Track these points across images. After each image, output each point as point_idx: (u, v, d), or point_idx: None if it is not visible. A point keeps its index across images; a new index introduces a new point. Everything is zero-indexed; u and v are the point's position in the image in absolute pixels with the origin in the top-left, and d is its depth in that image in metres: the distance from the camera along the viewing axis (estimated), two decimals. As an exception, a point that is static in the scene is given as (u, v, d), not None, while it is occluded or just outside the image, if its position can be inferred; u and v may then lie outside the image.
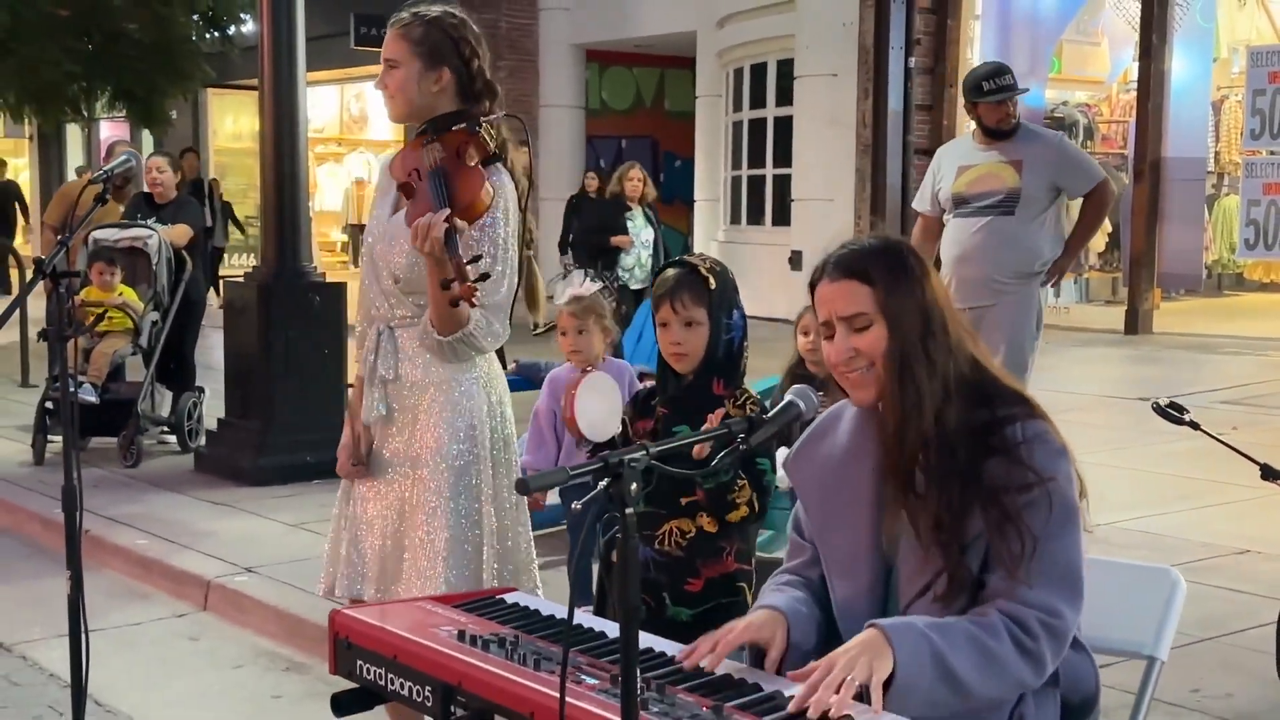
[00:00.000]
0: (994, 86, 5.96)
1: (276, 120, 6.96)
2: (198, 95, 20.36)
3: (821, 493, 2.35)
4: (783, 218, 14.95)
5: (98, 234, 7.69)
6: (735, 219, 16.24)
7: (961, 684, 2.03)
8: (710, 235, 16.62)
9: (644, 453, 1.87)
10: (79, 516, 3.17)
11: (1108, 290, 15.01)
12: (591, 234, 11.61)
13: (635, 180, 11.31)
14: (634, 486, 1.85)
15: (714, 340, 2.90)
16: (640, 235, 11.38)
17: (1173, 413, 3.66)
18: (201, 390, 7.95)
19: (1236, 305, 14.76)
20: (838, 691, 1.94)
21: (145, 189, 8.26)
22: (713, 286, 2.91)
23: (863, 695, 1.97)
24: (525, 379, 5.89)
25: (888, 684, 1.99)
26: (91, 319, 7.46)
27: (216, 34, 16.92)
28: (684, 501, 2.91)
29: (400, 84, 3.03)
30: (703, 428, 2.73)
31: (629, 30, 17.69)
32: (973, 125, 6.11)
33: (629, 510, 1.84)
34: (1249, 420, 7.80)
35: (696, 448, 2.60)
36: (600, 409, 2.46)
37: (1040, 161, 5.84)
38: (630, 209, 11.33)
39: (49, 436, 7.51)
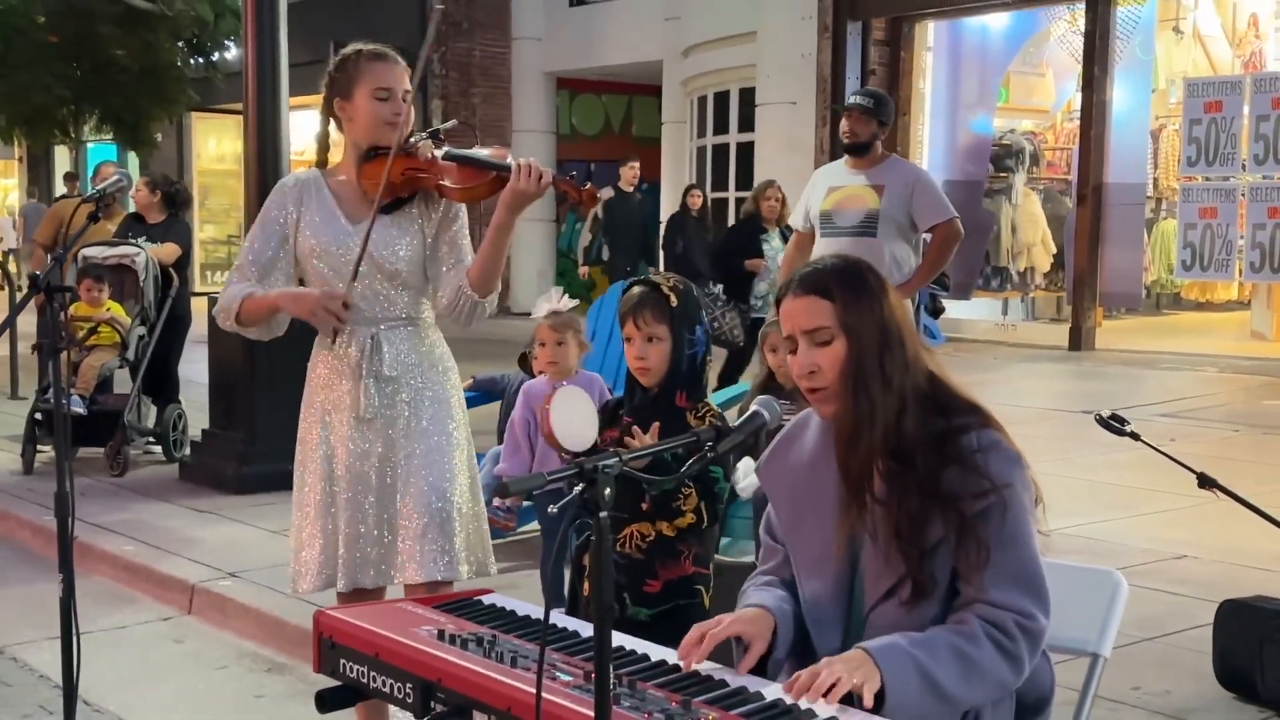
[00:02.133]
0: (846, 103, 6.17)
1: (260, 143, 6.95)
2: (182, 119, 20.29)
3: (790, 495, 2.37)
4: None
5: (86, 251, 7.65)
6: (699, 240, 16.27)
7: (947, 695, 2.06)
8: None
9: (617, 459, 1.89)
10: (71, 522, 3.15)
11: (1052, 309, 15.14)
12: (722, 257, 9.96)
13: (773, 200, 9.67)
14: (607, 491, 1.87)
15: (676, 355, 2.94)
16: (777, 259, 9.20)
17: (1114, 424, 3.71)
18: (179, 402, 7.92)
19: (1175, 323, 14.91)
20: (826, 695, 1.97)
21: (135, 209, 8.24)
22: (674, 304, 2.94)
23: (852, 702, 1.99)
24: (484, 393, 5.91)
25: (879, 703, 2.01)
26: (83, 333, 7.42)
27: (201, 60, 16.88)
28: (644, 507, 2.93)
29: (409, 114, 3.19)
30: (644, 439, 2.77)
31: (598, 59, 17.76)
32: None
33: (603, 514, 1.86)
34: (1186, 432, 7.88)
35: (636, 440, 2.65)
36: (577, 420, 2.48)
37: (899, 187, 5.92)
38: (766, 230, 9.68)
39: (38, 447, 7.46)
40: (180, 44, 16.67)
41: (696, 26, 15.60)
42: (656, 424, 2.88)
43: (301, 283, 3.29)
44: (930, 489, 2.15)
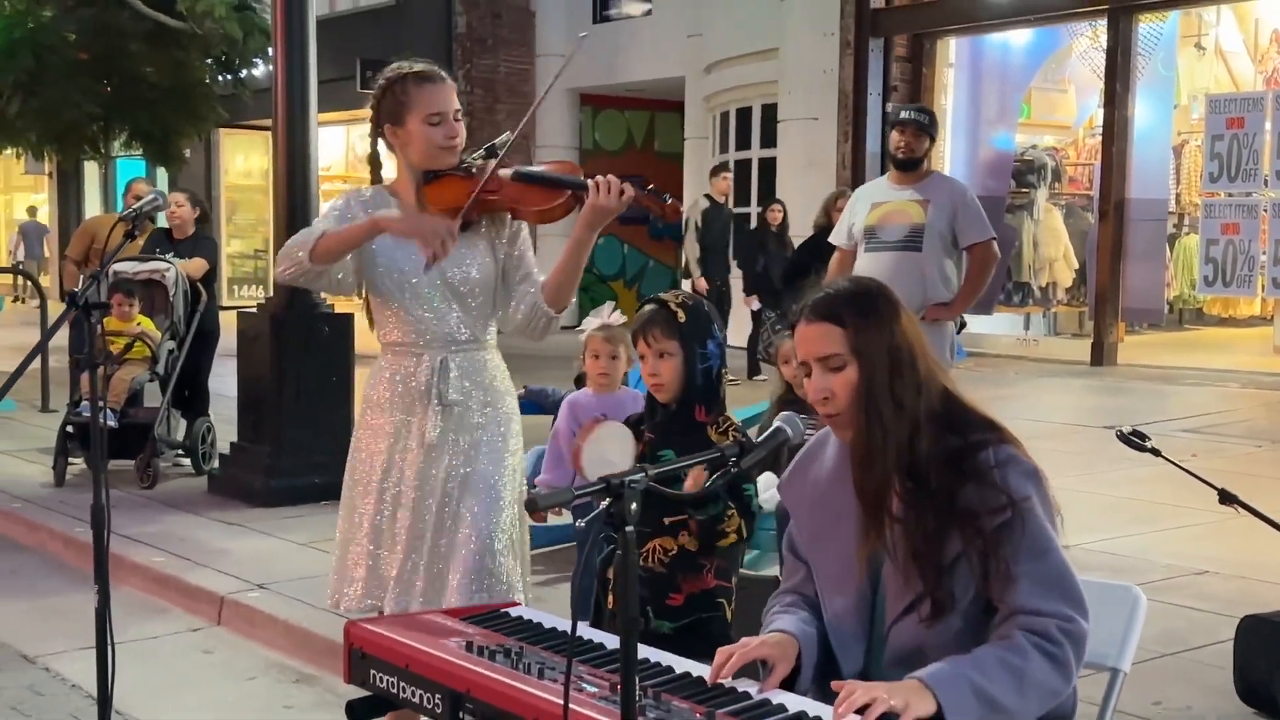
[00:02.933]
0: (898, 117, 6.12)
1: (290, 159, 7.02)
2: (211, 135, 20.45)
3: (811, 512, 2.40)
4: (768, 254, 14.99)
5: (117, 266, 7.73)
6: (721, 255, 16.31)
7: (1005, 709, 2.07)
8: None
9: (643, 475, 1.92)
10: (106, 535, 3.20)
11: (1075, 324, 15.10)
12: (796, 273, 9.38)
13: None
14: (633, 506, 1.90)
15: (689, 369, 2.97)
16: None
17: (1135, 440, 3.72)
18: (208, 415, 7.99)
19: (1197, 339, 14.85)
20: (861, 713, 1.99)
21: (164, 224, 8.32)
22: (682, 320, 2.98)
23: None
24: (534, 404, 5.94)
25: None
26: (120, 348, 7.52)
27: (229, 77, 17.01)
28: (667, 521, 2.96)
29: (462, 133, 3.18)
30: (685, 486, 2.78)
31: (621, 76, 17.84)
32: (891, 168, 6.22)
33: (629, 528, 1.89)
34: (1208, 448, 7.86)
35: (692, 476, 2.65)
36: (614, 458, 2.48)
37: (945, 202, 5.88)
38: None
39: (69, 459, 7.54)
40: (209, 61, 16.80)
41: (719, 43, 15.66)
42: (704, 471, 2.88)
43: (368, 305, 3.26)
44: (947, 507, 2.17)
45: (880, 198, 6.06)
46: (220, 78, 17.26)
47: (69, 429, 7.46)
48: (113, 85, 15.94)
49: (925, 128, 5.92)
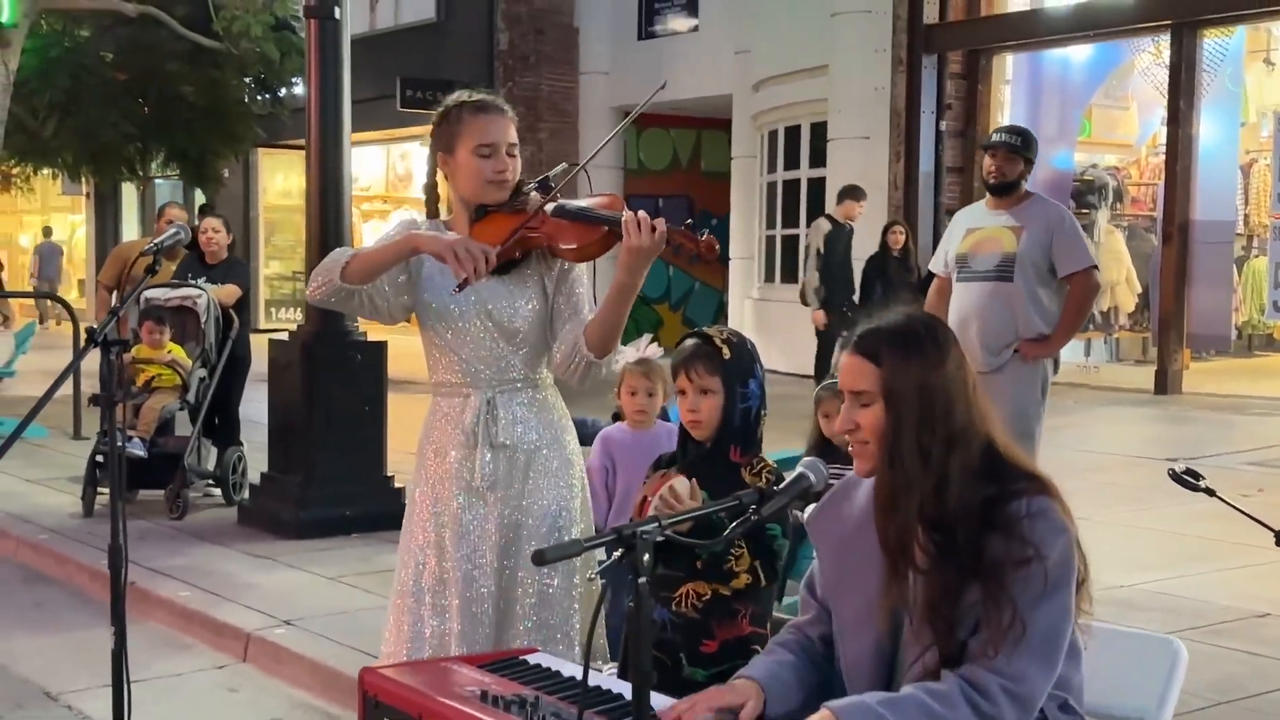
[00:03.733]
0: (990, 140, 6.03)
1: (322, 180, 7.10)
2: (249, 155, 20.72)
3: (837, 554, 2.41)
4: (817, 277, 14.97)
5: (149, 293, 7.84)
6: (769, 277, 16.33)
7: None
8: (745, 293, 16.72)
9: (656, 525, 1.93)
10: (124, 574, 3.24)
11: (1138, 350, 14.97)
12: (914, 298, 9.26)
13: None
14: (646, 557, 1.91)
15: (729, 408, 2.97)
16: None
17: (1188, 479, 3.67)
18: (241, 444, 8.07)
19: (1267, 366, 14.67)
20: None
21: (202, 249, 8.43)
22: (727, 356, 2.98)
23: None
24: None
25: None
26: (142, 382, 7.62)
27: (267, 96, 17.24)
28: (700, 565, 2.96)
29: (516, 169, 3.15)
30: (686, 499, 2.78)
31: (666, 93, 17.82)
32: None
33: (641, 580, 1.90)
34: (1275, 482, 7.75)
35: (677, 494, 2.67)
36: None
37: (1040, 229, 5.74)
38: None
39: (98, 489, 7.63)
40: (248, 80, 17.03)
41: (767, 60, 15.70)
42: (694, 480, 2.90)
43: (428, 339, 3.21)
44: (972, 560, 2.17)
45: (975, 223, 5.95)
46: (258, 97, 17.50)
47: (98, 459, 7.56)
48: (150, 105, 16.19)
49: (1017, 150, 5.78)
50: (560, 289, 3.15)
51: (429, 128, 3.23)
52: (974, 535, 2.18)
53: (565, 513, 3.13)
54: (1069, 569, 2.20)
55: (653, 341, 4.86)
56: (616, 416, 5.49)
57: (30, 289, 23.90)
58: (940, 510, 2.21)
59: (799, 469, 2.31)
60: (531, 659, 2.68)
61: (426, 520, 3.17)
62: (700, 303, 19.18)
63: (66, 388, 10.16)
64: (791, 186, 15.81)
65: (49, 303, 23.78)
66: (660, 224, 2.90)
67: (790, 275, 15.86)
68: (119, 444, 3.28)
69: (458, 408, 3.14)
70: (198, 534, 7.11)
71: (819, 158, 14.98)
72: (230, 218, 9.91)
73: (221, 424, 8.19)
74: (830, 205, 14.31)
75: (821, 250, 11.48)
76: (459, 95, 3.18)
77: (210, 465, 8.01)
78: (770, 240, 16.29)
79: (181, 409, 7.85)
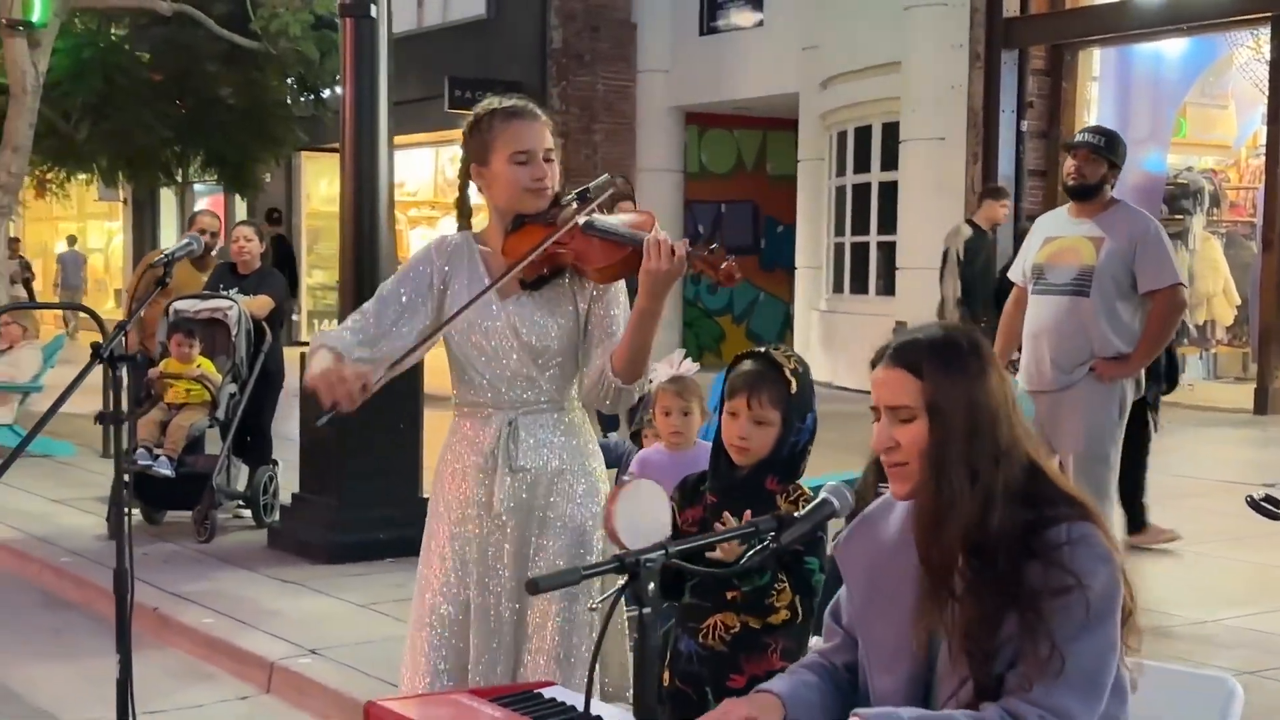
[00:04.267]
0: (1072, 140, 5.96)
1: (357, 184, 7.16)
2: (291, 158, 20.97)
3: (867, 581, 2.41)
4: (887, 287, 14.96)
5: (178, 305, 7.96)
6: (838, 287, 16.28)
7: None
8: (812, 304, 16.68)
9: (661, 552, 1.94)
10: (130, 598, 3.31)
11: (1236, 366, 14.75)
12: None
13: None
14: (651, 586, 1.93)
15: (781, 442, 2.98)
16: None
17: (1268, 507, 3.63)
18: (275, 463, 8.15)
19: (1378, 383, 14.39)
20: None
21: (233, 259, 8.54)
22: (793, 390, 2.99)
23: None
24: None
25: None
26: (170, 397, 7.73)
27: (310, 97, 17.43)
28: (729, 595, 2.97)
29: (554, 175, 3.18)
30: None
31: (729, 92, 17.93)
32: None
33: (646, 610, 1.92)
34: (1380, 510, 7.60)
35: (723, 547, 2.66)
36: (644, 523, 2.51)
37: (1122, 240, 5.65)
38: None
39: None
40: (290, 81, 17.24)
41: (836, 56, 15.67)
42: (748, 512, 2.90)
43: (453, 356, 3.27)
44: (1011, 589, 2.17)
45: (1055, 231, 5.89)
46: (300, 98, 17.71)
47: (125, 478, 7.66)
48: (187, 107, 16.44)
49: (1100, 151, 5.71)
50: (594, 309, 3.17)
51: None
52: (1014, 562, 2.17)
53: (586, 540, 3.15)
54: (1113, 600, 2.18)
55: (686, 357, 4.86)
56: (634, 436, 5.49)
57: (55, 299, 24.30)
58: (983, 533, 2.21)
59: (822, 494, 2.31)
60: (547, 693, 2.70)
61: (444, 546, 3.21)
62: (765, 315, 19.16)
63: (96, 402, 10.33)
64: (861, 191, 15.76)
65: (75, 314, 24.25)
66: (680, 248, 2.91)
67: (860, 285, 15.82)
68: (132, 462, 3.33)
69: (478, 429, 3.17)
70: (225, 558, 7.20)
71: (891, 160, 14.93)
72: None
73: (253, 442, 8.28)
74: (903, 209, 14.28)
75: (961, 257, 11.14)
76: (489, 102, 3.21)
77: (240, 485, 8.11)
78: (839, 248, 16.24)
79: (211, 426, 7.96)
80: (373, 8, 7.08)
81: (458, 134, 3.27)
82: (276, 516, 7.79)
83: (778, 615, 2.93)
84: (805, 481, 3.07)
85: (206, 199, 24.77)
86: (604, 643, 3.15)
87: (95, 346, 3.21)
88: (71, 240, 29.13)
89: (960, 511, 2.20)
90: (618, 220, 3.14)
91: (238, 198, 21.02)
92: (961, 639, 2.19)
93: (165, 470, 7.55)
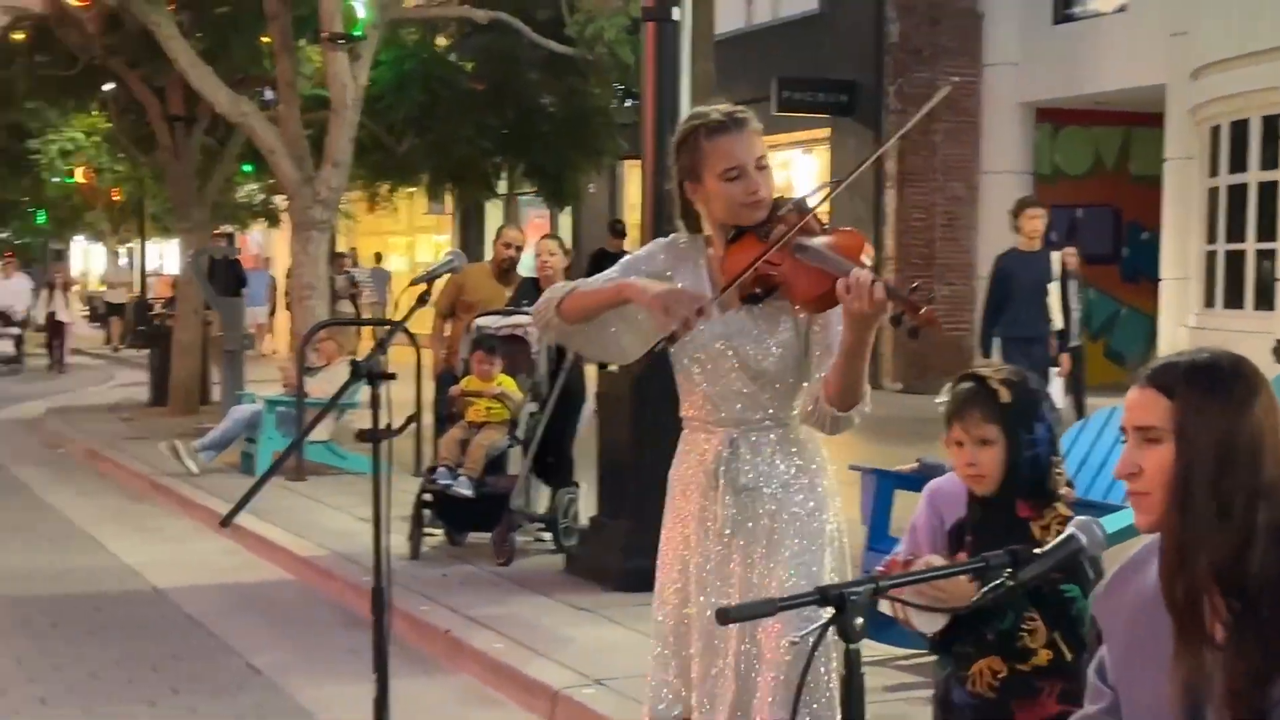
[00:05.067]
0: None
1: (657, 195, 7.35)
2: (614, 167, 21.58)
3: (1128, 636, 2.37)
4: (1265, 301, 14.25)
5: (480, 321, 8.36)
6: (1210, 301, 15.59)
7: None
8: (1179, 319, 16.03)
9: (871, 585, 1.98)
10: (385, 620, 3.53)
11: None
12: None
13: None
14: (858, 621, 1.96)
15: (1012, 458, 2.96)
16: None
17: None
18: (576, 485, 8.43)
19: None
20: None
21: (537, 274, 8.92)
22: (1005, 400, 2.97)
23: None
24: (926, 479, 5.93)
25: None
26: (470, 415, 8.11)
27: (630, 103, 17.91)
28: (990, 637, 2.95)
29: (769, 184, 3.29)
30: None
31: (1087, 85, 17.46)
32: None
33: (852, 646, 1.96)
34: None
35: (955, 586, 2.65)
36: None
37: None
38: None
39: (426, 529, 8.18)
40: (618, 86, 17.74)
41: (1210, 42, 15.04)
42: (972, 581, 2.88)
43: (676, 371, 3.42)
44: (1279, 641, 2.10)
45: None
46: (624, 104, 18.20)
47: (425, 497, 8.11)
48: (509, 117, 17.14)
49: None
50: (814, 326, 3.25)
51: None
52: None
53: (811, 563, 3.21)
54: None
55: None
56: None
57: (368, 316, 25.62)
58: (1240, 574, 2.15)
59: (1069, 528, 2.29)
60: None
61: (673, 563, 3.36)
62: (1127, 331, 18.54)
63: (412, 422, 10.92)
64: (1237, 192, 15.06)
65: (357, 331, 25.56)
66: (878, 288, 2.91)
67: (1235, 299, 15.11)
68: (432, 481, 3.56)
69: (701, 444, 3.32)
70: (521, 581, 7.52)
71: (1271, 158, 14.23)
72: (593, 236, 10.38)
73: (554, 463, 8.58)
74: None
75: None
76: (694, 117, 3.34)
77: (541, 507, 8.42)
78: (1211, 257, 15.56)
79: (511, 445, 8.30)
80: (675, 10, 7.29)
81: (786, 138, 3.42)
82: (574, 540, 8.06)
83: (1038, 656, 2.90)
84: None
85: (529, 210, 25.73)
86: (833, 673, 3.20)
87: (355, 365, 3.45)
88: (378, 257, 30.74)
89: (1206, 547, 2.15)
90: (825, 243, 3.16)
91: (559, 208, 21.73)
92: (1225, 698, 2.13)
93: (465, 490, 7.93)
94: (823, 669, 3.22)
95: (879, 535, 5.91)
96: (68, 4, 14.74)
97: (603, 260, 20.62)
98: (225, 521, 4.15)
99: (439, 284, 10.27)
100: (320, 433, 11.11)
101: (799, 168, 20.85)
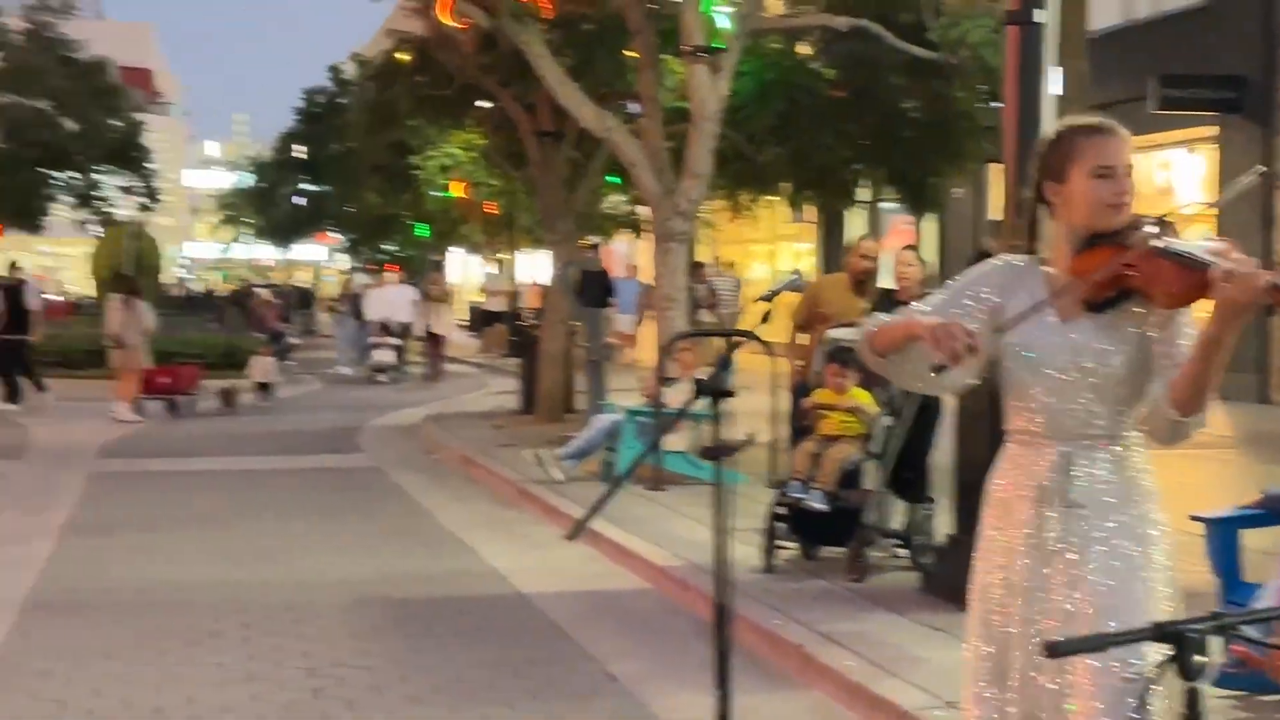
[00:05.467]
0: None
1: (1015, 198, 7.22)
2: (980, 171, 21.18)
3: None
4: None
5: (834, 333, 8.37)
6: None
7: None
8: None
9: (1213, 621, 1.91)
10: (726, 632, 3.60)
11: None
12: None
13: None
14: (1201, 659, 1.89)
15: None
16: None
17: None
18: (932, 501, 8.34)
19: None
20: None
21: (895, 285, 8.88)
22: None
23: None
24: (1272, 513, 5.66)
25: None
26: (824, 429, 8.13)
27: (994, 105, 17.56)
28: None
29: (1132, 193, 3.31)
30: None
31: None
32: None
33: (1192, 685, 1.89)
34: None
35: None
36: None
37: None
38: None
39: (778, 543, 8.24)
40: (984, 89, 17.43)
41: None
42: None
43: (1009, 380, 3.41)
44: None
45: None
46: (989, 105, 17.85)
47: (778, 510, 8.18)
48: (870, 123, 17.07)
49: None
50: (1159, 336, 3.22)
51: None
52: None
53: (1145, 593, 3.15)
54: None
55: None
56: None
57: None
58: None
59: None
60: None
61: (992, 582, 3.34)
62: None
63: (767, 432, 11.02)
64: None
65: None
66: (1261, 277, 2.89)
67: None
68: (784, 494, 3.64)
69: (1030, 459, 3.30)
70: (875, 599, 7.49)
71: None
72: (959, 241, 10.25)
73: (912, 478, 8.52)
74: None
75: None
76: (1068, 121, 3.38)
77: (896, 523, 8.37)
78: None
79: (866, 460, 8.28)
80: (1037, 13, 7.13)
81: (1165, 136, 3.41)
82: (931, 558, 7.97)
83: None
84: None
85: (894, 218, 25.57)
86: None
87: (699, 383, 3.55)
88: (632, 270, 31.13)
89: None
90: (1195, 245, 3.15)
91: (920, 215, 21.49)
92: None
93: (818, 504, 7.96)
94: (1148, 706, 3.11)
95: (1233, 584, 5.64)
96: (447, 26, 15.51)
97: (984, 259, 20.34)
98: (571, 536, 4.37)
99: (791, 297, 10.43)
100: (678, 443, 11.34)
101: (1181, 168, 19.91)
